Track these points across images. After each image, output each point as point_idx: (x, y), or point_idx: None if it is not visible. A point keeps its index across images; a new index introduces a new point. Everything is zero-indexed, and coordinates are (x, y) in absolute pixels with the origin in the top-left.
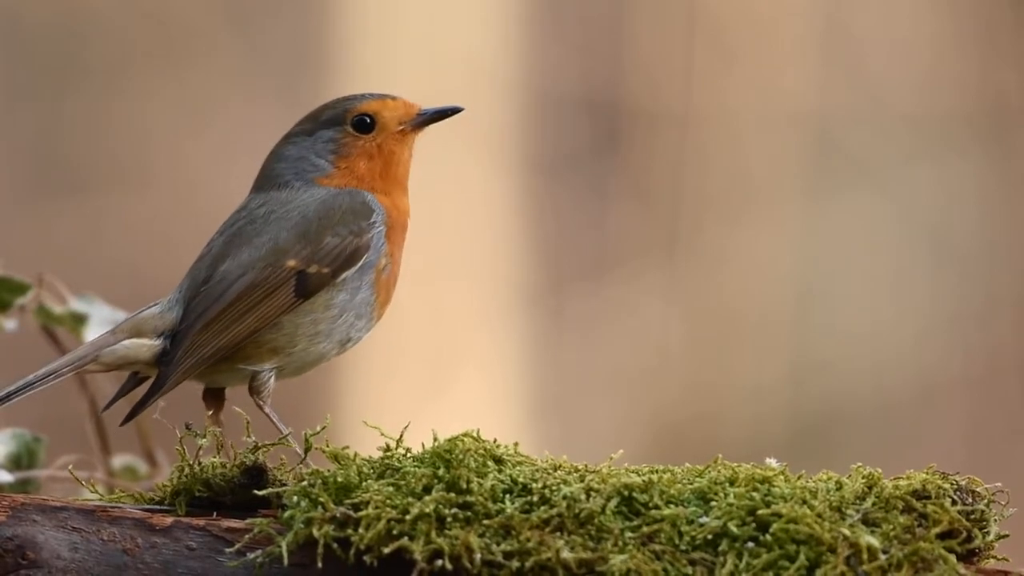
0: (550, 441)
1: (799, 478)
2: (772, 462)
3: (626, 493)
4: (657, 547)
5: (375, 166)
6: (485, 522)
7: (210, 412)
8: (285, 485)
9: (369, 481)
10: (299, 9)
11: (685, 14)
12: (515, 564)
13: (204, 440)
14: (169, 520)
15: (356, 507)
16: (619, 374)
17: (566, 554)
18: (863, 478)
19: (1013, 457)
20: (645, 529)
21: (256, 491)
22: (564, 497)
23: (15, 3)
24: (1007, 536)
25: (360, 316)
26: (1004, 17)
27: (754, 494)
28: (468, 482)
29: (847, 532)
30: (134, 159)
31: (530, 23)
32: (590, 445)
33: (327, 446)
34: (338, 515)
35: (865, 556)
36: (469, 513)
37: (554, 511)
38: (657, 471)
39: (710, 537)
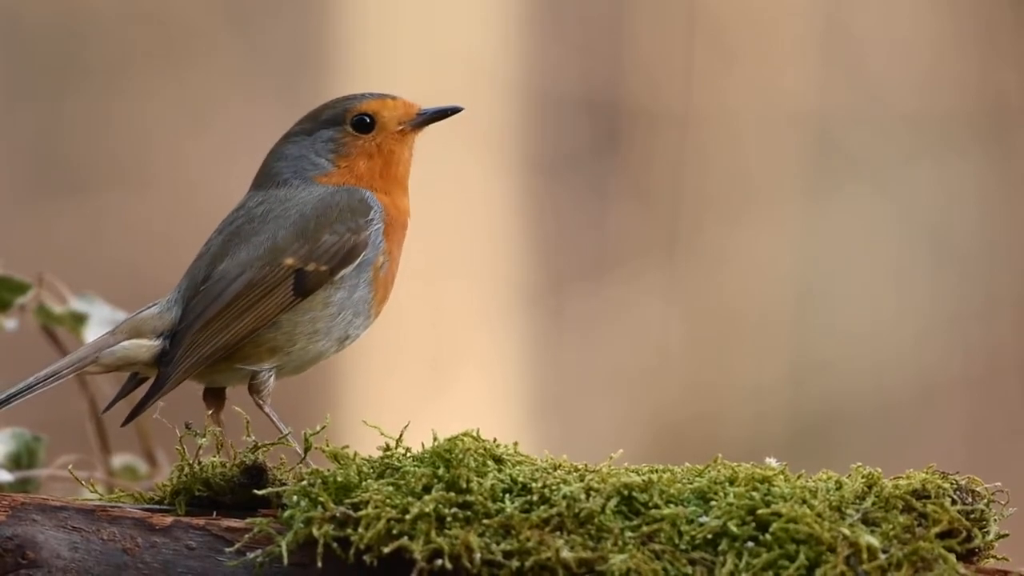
0: (550, 441)
1: (799, 478)
2: (772, 462)
3: (626, 493)
4: (657, 546)
5: (375, 165)
6: (485, 521)
7: (210, 412)
8: (285, 485)
9: (369, 481)
10: (299, 9)
11: (685, 14)
12: (515, 563)
13: (204, 440)
14: (169, 520)
15: (356, 507)
16: (619, 374)
17: (566, 553)
18: (863, 478)
19: (1013, 457)
20: (645, 529)
21: (256, 491)
22: (564, 496)
23: (15, 3)
24: (1007, 536)
25: (358, 314)
26: (1004, 17)
27: (754, 494)
28: (468, 482)
29: (847, 532)
30: (134, 159)
31: (530, 23)
32: (590, 445)
33: (327, 446)
34: (338, 515)
35: (865, 556)
36: (469, 512)
37: (554, 510)
38: (657, 471)
39: (710, 537)
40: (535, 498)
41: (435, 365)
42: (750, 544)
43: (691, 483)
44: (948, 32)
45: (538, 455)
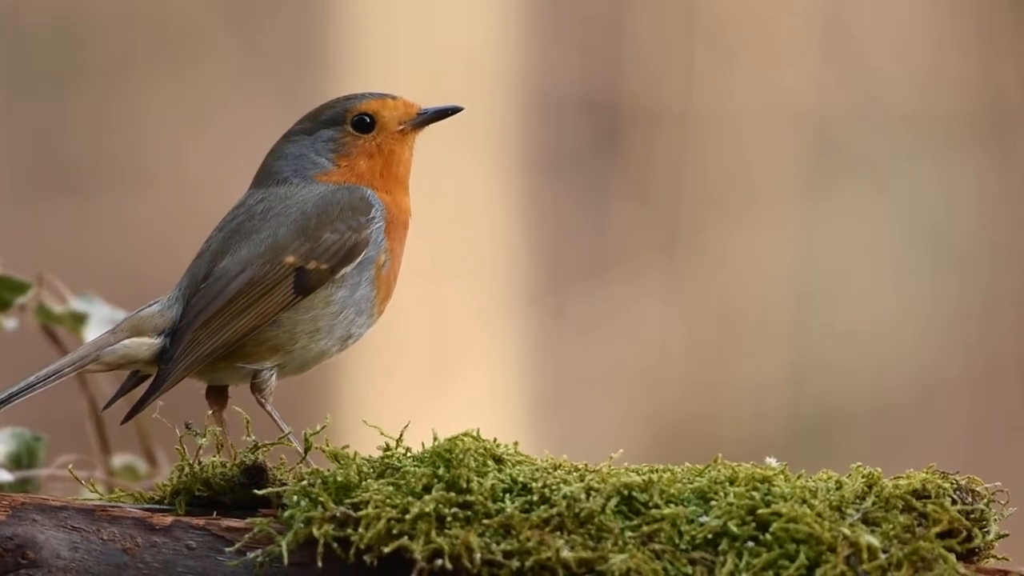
0: (550, 441)
1: (799, 477)
2: (772, 461)
3: (626, 492)
4: (657, 546)
5: (375, 165)
6: (485, 521)
7: (212, 411)
8: (285, 484)
9: (369, 480)
10: (299, 9)
11: (685, 14)
12: (515, 563)
13: (204, 439)
14: (169, 519)
15: (356, 506)
16: (619, 373)
17: (566, 553)
18: (863, 477)
19: (1013, 457)
20: (645, 528)
21: (256, 490)
22: (564, 496)
23: (15, 3)
24: (1007, 535)
25: (360, 312)
26: (1004, 16)
27: (754, 493)
28: (468, 481)
29: (847, 531)
30: (134, 159)
31: (530, 23)
32: (590, 444)
33: (327, 445)
34: (338, 514)
35: (865, 555)
36: (469, 512)
37: (554, 510)
38: (657, 470)
39: (710, 536)
40: (535, 498)
41: (437, 365)
42: (750, 544)
43: (691, 483)
44: (948, 32)
45: (538, 455)
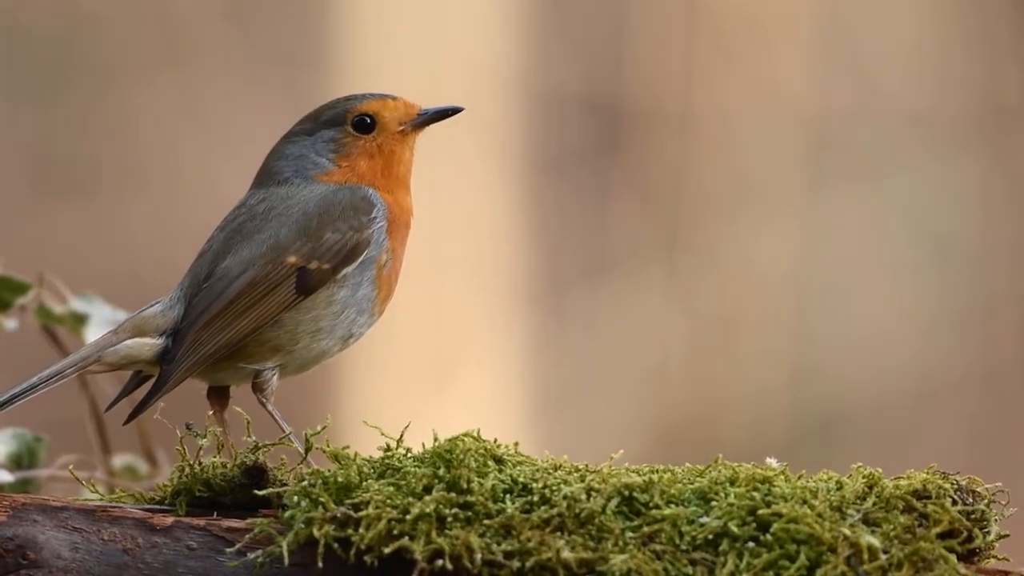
0: (551, 441)
1: (799, 478)
2: (772, 462)
3: (627, 493)
4: (657, 547)
5: (376, 165)
6: (486, 522)
7: (213, 411)
8: (286, 485)
9: (369, 481)
10: (299, 9)
11: (685, 14)
12: (515, 564)
13: (204, 440)
14: (170, 520)
15: (356, 507)
16: (620, 373)
17: (566, 554)
18: (863, 478)
19: (1014, 457)
20: (646, 529)
21: (256, 491)
22: (564, 497)
23: (15, 3)
24: (1007, 536)
25: (362, 312)
26: (1006, 17)
27: (754, 494)
28: (469, 482)
29: (848, 532)
30: (134, 159)
31: (531, 23)
32: (591, 445)
33: (328, 446)
34: (339, 515)
35: (866, 556)
36: (469, 513)
37: (554, 511)
38: (657, 471)
39: (711, 537)
40: (536, 498)
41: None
42: (751, 544)
43: (692, 483)
44: (949, 32)
45: (539, 455)
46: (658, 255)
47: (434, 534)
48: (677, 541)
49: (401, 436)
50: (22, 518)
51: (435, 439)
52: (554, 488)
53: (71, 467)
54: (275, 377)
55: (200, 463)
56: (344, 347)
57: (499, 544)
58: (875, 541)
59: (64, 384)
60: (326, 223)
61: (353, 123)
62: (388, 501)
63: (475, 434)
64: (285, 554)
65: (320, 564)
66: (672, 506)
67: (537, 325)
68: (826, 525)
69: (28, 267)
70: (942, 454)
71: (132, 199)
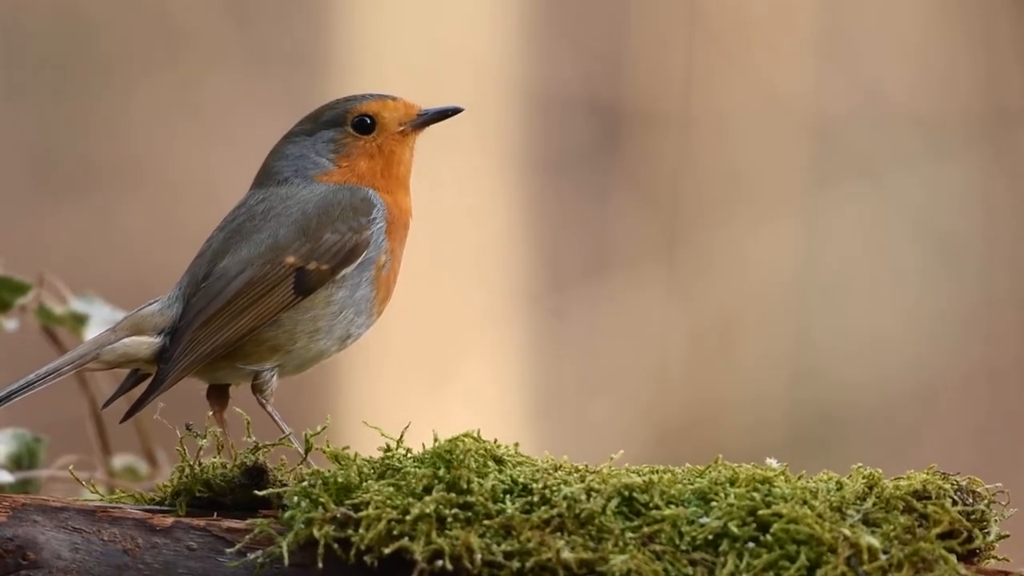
0: (551, 441)
1: (799, 478)
2: (772, 462)
3: (626, 493)
4: (657, 547)
5: (376, 166)
6: (485, 522)
7: (213, 411)
8: (286, 485)
9: (369, 481)
10: (299, 9)
11: (685, 14)
12: (515, 564)
13: (204, 440)
14: (170, 520)
15: (356, 507)
16: (620, 374)
17: (566, 554)
18: (863, 478)
19: (1014, 457)
20: (646, 529)
21: (256, 491)
22: (564, 497)
23: (15, 3)
24: (1007, 536)
25: (360, 312)
26: (1004, 17)
27: (754, 494)
28: (468, 482)
29: (848, 532)
30: (134, 159)
31: (531, 24)
32: (590, 445)
33: (327, 446)
34: (339, 515)
35: (866, 556)
36: (469, 513)
37: (554, 511)
38: (657, 471)
39: (710, 537)
40: (536, 499)
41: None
42: (751, 545)
43: (692, 484)
44: (950, 32)
45: (539, 456)
46: (658, 255)
47: (434, 534)
48: (677, 541)
49: (401, 436)
50: (22, 518)
51: (435, 439)
52: (554, 488)
53: (71, 467)
54: (274, 378)
55: (200, 463)
56: (342, 347)
57: (499, 544)
58: (875, 541)
59: (63, 383)
60: (325, 224)
61: (353, 123)
62: (388, 501)
63: (475, 434)
64: (285, 554)
65: (320, 564)
66: (672, 506)
67: (537, 325)
68: (826, 525)
69: (28, 267)
70: (942, 455)
71: (132, 199)
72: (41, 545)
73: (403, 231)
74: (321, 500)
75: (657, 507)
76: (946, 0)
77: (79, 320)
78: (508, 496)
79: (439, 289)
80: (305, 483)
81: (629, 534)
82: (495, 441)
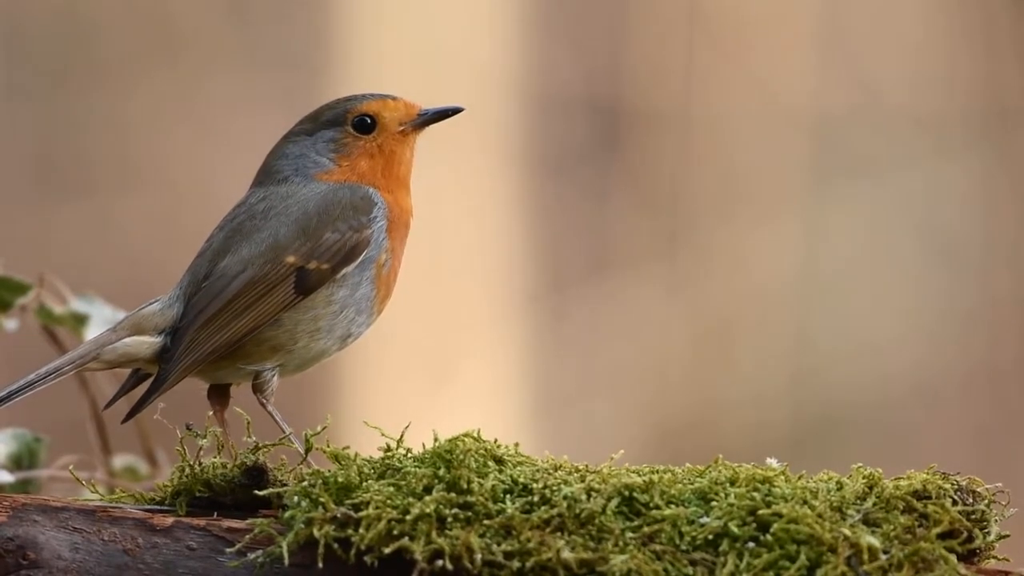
0: (551, 441)
1: (800, 478)
2: (772, 462)
3: (627, 493)
4: (658, 547)
5: (376, 166)
6: (486, 522)
7: (213, 411)
8: (286, 485)
9: (370, 481)
10: (299, 10)
11: (685, 14)
12: (515, 564)
13: (204, 440)
14: (170, 520)
15: (357, 507)
16: (620, 374)
17: (567, 554)
18: (864, 478)
19: (1014, 457)
20: (646, 529)
21: (257, 491)
22: (565, 497)
23: (15, 3)
24: (1008, 536)
25: (360, 312)
26: (1004, 17)
27: (755, 494)
28: (469, 482)
29: (848, 532)
30: (134, 159)
31: (530, 23)
32: (591, 445)
33: (328, 446)
34: (339, 515)
35: (866, 556)
36: (470, 513)
37: (555, 511)
38: (657, 471)
39: (711, 537)
40: (536, 499)
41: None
42: (751, 545)
43: (692, 484)
44: (948, 31)
45: (539, 456)
46: (658, 255)
47: (434, 534)
48: (677, 541)
49: (401, 436)
50: (22, 518)
51: (435, 439)
52: (554, 488)
53: (71, 467)
54: (275, 378)
55: (200, 463)
56: (343, 347)
57: (499, 544)
58: (875, 541)
59: (63, 383)
60: (326, 223)
61: (353, 123)
62: (388, 501)
63: (475, 434)
64: (285, 554)
65: (320, 564)
66: (672, 506)
67: (537, 324)
68: (826, 525)
69: (28, 267)
70: (942, 455)
71: (132, 199)
72: (41, 545)
73: (404, 230)
74: (321, 500)
75: (657, 507)
76: (946, 0)
77: (79, 320)
78: (508, 496)
79: (439, 289)
80: (305, 483)
81: (629, 534)
82: (495, 441)
